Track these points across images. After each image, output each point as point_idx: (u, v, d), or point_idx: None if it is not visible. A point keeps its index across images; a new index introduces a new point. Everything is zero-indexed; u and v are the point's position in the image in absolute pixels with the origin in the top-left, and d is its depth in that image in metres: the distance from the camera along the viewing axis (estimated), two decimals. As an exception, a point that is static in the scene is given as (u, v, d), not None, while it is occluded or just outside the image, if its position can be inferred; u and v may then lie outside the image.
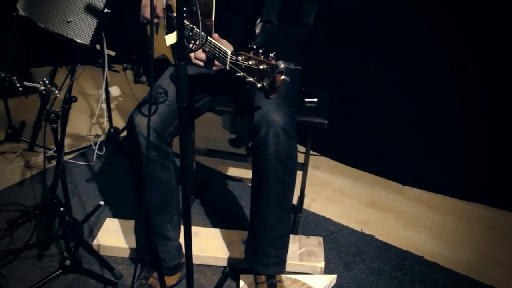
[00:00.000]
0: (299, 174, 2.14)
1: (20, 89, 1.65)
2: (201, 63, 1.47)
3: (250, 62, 1.23)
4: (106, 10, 1.61)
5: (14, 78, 1.65)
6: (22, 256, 1.95)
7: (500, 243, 2.20)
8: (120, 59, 3.65)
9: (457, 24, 2.19)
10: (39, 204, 2.21)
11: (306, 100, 1.98)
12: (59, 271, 1.82)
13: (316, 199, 2.43)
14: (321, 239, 2.06)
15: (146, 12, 1.60)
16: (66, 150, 2.65)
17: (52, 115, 1.67)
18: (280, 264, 1.72)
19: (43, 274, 1.83)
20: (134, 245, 1.92)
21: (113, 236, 2.02)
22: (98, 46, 2.45)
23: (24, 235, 2.04)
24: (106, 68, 2.45)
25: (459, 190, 2.46)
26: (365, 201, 2.45)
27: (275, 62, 1.20)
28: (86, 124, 2.96)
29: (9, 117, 2.62)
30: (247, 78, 1.25)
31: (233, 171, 2.62)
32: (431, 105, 2.42)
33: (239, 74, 1.27)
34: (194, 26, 1.33)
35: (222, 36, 1.44)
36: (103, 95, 2.57)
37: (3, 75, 1.64)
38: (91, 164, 2.58)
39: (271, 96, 1.25)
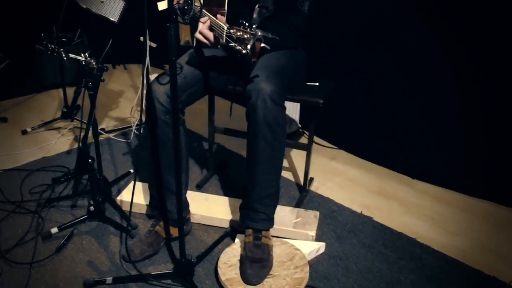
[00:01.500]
0: (304, 155, 2.36)
1: (65, 59, 2.01)
2: (206, 41, 1.74)
3: (239, 33, 1.51)
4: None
5: (61, 49, 2.01)
6: (59, 204, 2.31)
7: (500, 236, 2.24)
8: (162, 62, 4.04)
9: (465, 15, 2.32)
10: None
11: (308, 83, 2.20)
12: (85, 216, 2.15)
13: (326, 184, 2.60)
14: (317, 213, 2.24)
15: None
16: (110, 128, 3.04)
17: (90, 83, 2.02)
18: (267, 220, 1.93)
19: (73, 219, 2.16)
20: (148, 203, 2.21)
21: (135, 195, 2.31)
22: (141, 38, 2.81)
23: (64, 190, 2.40)
24: (148, 58, 2.80)
25: (468, 186, 2.53)
26: (373, 189, 2.58)
27: (254, 31, 1.47)
28: (129, 110, 3.35)
29: (66, 98, 3.05)
30: (237, 46, 1.52)
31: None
32: (441, 102, 2.53)
33: (231, 44, 1.54)
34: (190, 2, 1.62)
35: (231, 20, 1.72)
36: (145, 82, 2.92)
37: (52, 46, 2.01)
38: (129, 141, 2.93)
39: (252, 60, 1.52)
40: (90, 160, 2.06)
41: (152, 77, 3.23)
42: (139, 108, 3.31)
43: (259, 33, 1.47)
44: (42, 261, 1.95)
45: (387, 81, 2.71)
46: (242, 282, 1.81)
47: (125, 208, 2.27)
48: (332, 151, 2.96)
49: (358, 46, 2.77)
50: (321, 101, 2.08)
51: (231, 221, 2.17)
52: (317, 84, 2.20)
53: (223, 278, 1.82)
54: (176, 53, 1.48)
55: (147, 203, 2.25)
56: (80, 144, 2.00)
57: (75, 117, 3.08)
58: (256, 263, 1.82)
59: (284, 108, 1.83)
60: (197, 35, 1.75)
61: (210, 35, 1.74)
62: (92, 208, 2.12)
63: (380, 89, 2.76)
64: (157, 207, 2.10)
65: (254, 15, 1.73)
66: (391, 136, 2.78)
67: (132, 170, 2.59)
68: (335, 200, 2.45)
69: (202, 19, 1.72)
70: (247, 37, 1.46)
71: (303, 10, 1.93)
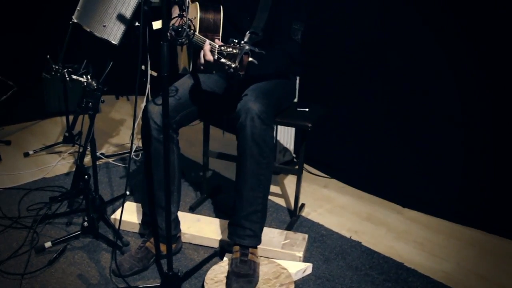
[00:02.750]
0: (294, 180, 2.43)
1: (68, 79, 2.12)
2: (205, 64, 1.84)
3: (229, 49, 1.63)
4: (136, 23, 2.07)
5: (65, 70, 2.13)
6: (54, 221, 2.37)
7: (487, 261, 2.26)
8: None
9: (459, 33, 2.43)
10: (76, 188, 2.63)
11: (298, 109, 2.30)
12: (78, 232, 2.21)
13: (316, 210, 2.66)
14: (306, 235, 2.28)
15: None
16: (109, 153, 3.14)
17: (90, 103, 2.14)
18: (253, 237, 1.98)
19: (67, 235, 2.22)
20: (140, 221, 2.27)
21: (128, 214, 2.38)
22: (143, 67, 2.95)
23: (60, 209, 2.47)
24: (148, 85, 2.93)
25: (457, 215, 2.57)
26: (362, 216, 2.63)
27: (242, 46, 1.59)
28: (128, 137, 3.46)
29: (68, 124, 3.16)
30: (227, 61, 1.63)
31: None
32: (430, 133, 2.61)
33: (222, 60, 1.65)
34: (185, 27, 1.74)
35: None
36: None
37: (57, 67, 2.13)
38: (126, 166, 3.02)
39: (240, 73, 1.62)
40: (86, 177, 2.14)
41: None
42: (138, 136, 3.42)
43: (246, 47, 1.59)
44: (33, 272, 2.00)
45: (376, 111, 2.81)
46: (227, 297, 1.84)
47: (120, 227, 2.32)
48: (324, 180, 3.03)
49: (349, 74, 2.88)
50: (310, 125, 2.16)
51: (221, 241, 2.22)
52: (307, 109, 2.30)
53: (209, 292, 1.86)
54: (168, 69, 1.57)
55: (140, 222, 2.30)
56: (78, 161, 2.08)
57: (76, 142, 3.18)
58: (242, 278, 1.86)
59: (272, 128, 1.92)
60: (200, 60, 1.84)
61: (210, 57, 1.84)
62: (86, 224, 2.18)
63: (370, 120, 2.86)
64: (149, 224, 2.16)
65: (245, 39, 1.85)
66: (381, 166, 2.85)
67: (128, 192, 2.65)
68: (325, 225, 2.49)
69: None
70: (236, 52, 1.57)
71: (297, 39, 2.05)
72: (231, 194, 2.74)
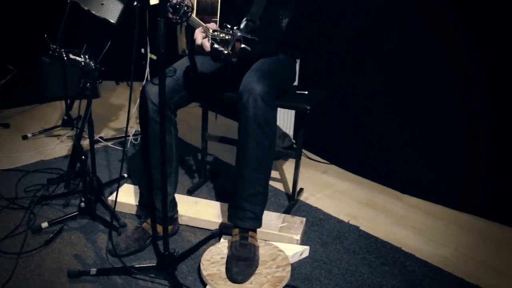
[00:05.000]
0: (293, 165, 2.42)
1: (65, 59, 2.10)
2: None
3: (222, 35, 1.61)
4: (135, 3, 2.04)
5: (63, 50, 2.11)
6: (52, 202, 2.37)
7: (485, 247, 2.25)
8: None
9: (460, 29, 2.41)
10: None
11: (297, 91, 2.28)
12: (75, 212, 2.20)
13: (315, 195, 2.64)
14: (304, 219, 2.27)
15: None
16: (108, 137, 3.12)
17: (87, 84, 2.12)
18: (254, 219, 1.96)
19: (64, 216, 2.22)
20: (137, 202, 2.26)
21: (126, 196, 2.37)
22: (143, 50, 2.94)
23: (57, 190, 2.46)
24: (148, 69, 2.92)
25: (457, 201, 2.56)
26: (361, 201, 2.62)
27: (234, 32, 1.57)
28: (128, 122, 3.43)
29: (67, 108, 3.15)
30: (219, 48, 1.61)
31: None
32: (431, 119, 2.60)
33: (216, 46, 1.63)
34: (182, 4, 1.71)
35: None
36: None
37: (54, 47, 2.11)
38: (125, 149, 3.01)
39: (232, 59, 1.60)
40: (83, 157, 2.12)
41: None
42: (137, 121, 3.41)
43: (239, 34, 1.56)
44: (29, 252, 1.99)
45: (377, 97, 2.79)
46: (223, 277, 1.83)
47: (117, 209, 2.32)
48: (324, 165, 3.01)
49: (349, 60, 2.86)
50: (309, 107, 2.15)
51: (220, 224, 2.21)
52: (306, 92, 2.28)
53: (204, 273, 1.85)
54: (165, 46, 1.55)
55: (136, 204, 2.30)
56: (75, 141, 2.07)
57: (75, 126, 3.17)
58: (242, 261, 1.85)
59: (275, 110, 1.90)
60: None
61: (204, 41, 1.81)
62: (83, 204, 2.17)
63: (370, 105, 2.84)
64: (146, 206, 2.15)
65: (241, 26, 1.83)
66: (381, 152, 2.84)
67: (125, 175, 2.65)
68: (323, 209, 2.48)
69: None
70: (229, 38, 1.55)
71: (282, 26, 2.02)
72: (229, 178, 2.75)
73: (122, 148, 2.99)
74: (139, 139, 3.10)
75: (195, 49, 1.86)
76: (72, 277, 1.86)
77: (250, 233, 1.97)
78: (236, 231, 1.97)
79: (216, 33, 1.60)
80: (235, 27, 1.57)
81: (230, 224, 2.02)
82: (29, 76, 3.71)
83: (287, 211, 2.40)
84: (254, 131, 1.86)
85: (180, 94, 2.06)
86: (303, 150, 3.03)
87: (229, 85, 2.20)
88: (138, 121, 3.39)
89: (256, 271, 1.87)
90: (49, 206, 2.34)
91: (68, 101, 3.05)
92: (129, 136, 3.08)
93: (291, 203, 2.48)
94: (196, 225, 2.25)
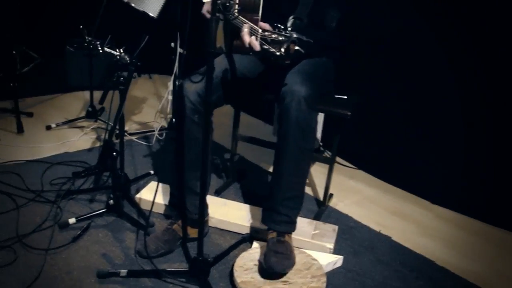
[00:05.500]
0: (325, 169, 2.36)
1: (101, 52, 2.05)
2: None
3: (274, 36, 1.54)
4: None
5: (98, 42, 2.05)
6: (78, 197, 2.32)
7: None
8: (188, 72, 4.10)
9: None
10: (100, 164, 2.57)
11: (336, 96, 2.22)
12: (103, 210, 2.15)
13: (344, 201, 2.58)
14: (336, 227, 2.21)
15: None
16: (132, 131, 3.07)
17: (121, 78, 2.07)
18: (290, 223, 1.91)
19: (91, 212, 2.17)
20: (167, 202, 2.20)
21: (153, 194, 2.30)
22: (172, 44, 2.87)
23: (83, 184, 2.41)
24: (177, 63, 2.85)
25: (489, 215, 2.49)
26: (390, 210, 2.56)
27: (290, 33, 1.49)
28: (152, 116, 3.38)
29: (92, 99, 3.11)
30: (270, 48, 1.54)
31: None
32: (467, 128, 2.52)
33: (266, 47, 1.56)
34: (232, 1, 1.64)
35: None
36: (170, 87, 2.97)
37: (90, 39, 2.06)
38: (150, 144, 2.95)
39: (286, 62, 1.54)
40: (114, 154, 2.07)
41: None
42: (162, 115, 3.36)
43: (294, 35, 1.50)
44: (57, 248, 1.95)
45: (409, 104, 2.71)
46: (257, 285, 1.78)
47: (143, 206, 2.27)
48: (351, 170, 2.95)
49: (380, 63, 2.78)
50: (349, 113, 2.08)
51: (251, 228, 2.15)
52: (345, 97, 2.21)
53: (238, 280, 1.80)
54: (215, 46, 1.49)
55: (166, 203, 2.24)
56: (107, 137, 2.02)
57: (99, 118, 3.12)
58: (280, 254, 1.81)
59: (317, 113, 1.84)
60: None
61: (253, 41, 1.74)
62: (112, 201, 2.12)
63: (401, 111, 2.76)
64: (176, 206, 2.10)
65: (288, 25, 1.76)
66: (410, 159, 2.76)
67: (152, 172, 2.59)
68: (353, 217, 2.43)
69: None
70: (282, 39, 1.49)
71: (331, 26, 1.95)
72: (256, 180, 2.70)
73: (146, 143, 2.95)
74: (164, 134, 3.05)
75: (239, 48, 1.80)
76: (101, 277, 1.81)
77: (286, 234, 1.92)
78: (273, 234, 1.91)
79: (267, 33, 1.53)
80: (288, 28, 1.50)
81: (262, 228, 1.97)
82: (52, 65, 3.64)
83: (318, 217, 2.35)
84: (295, 134, 1.80)
85: (218, 93, 2.00)
86: (328, 153, 2.97)
87: (265, 85, 2.14)
88: (162, 115, 3.35)
89: (291, 280, 1.81)
90: (75, 201, 2.29)
91: (94, 94, 2.99)
92: (154, 131, 3.02)
93: (321, 209, 2.42)
94: (225, 228, 2.19)
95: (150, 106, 3.63)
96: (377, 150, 2.91)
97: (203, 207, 1.70)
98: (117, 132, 2.10)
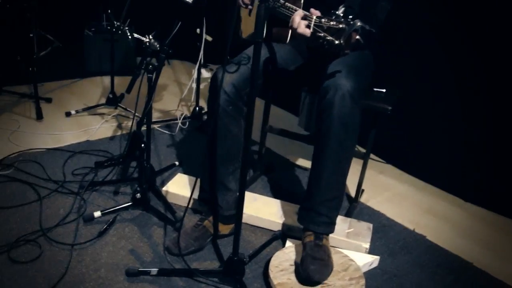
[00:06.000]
0: (359, 164, 2.26)
1: (130, 37, 1.95)
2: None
3: (332, 23, 1.43)
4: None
5: (126, 28, 1.95)
6: (102, 189, 2.24)
7: None
8: (216, 60, 3.99)
9: None
10: (123, 154, 2.49)
11: (375, 89, 2.11)
12: (130, 203, 2.07)
13: (375, 197, 2.49)
14: (371, 225, 2.12)
15: None
16: (154, 120, 2.98)
17: (150, 66, 1.97)
18: (329, 224, 1.82)
19: (116, 205, 2.09)
20: (197, 196, 2.11)
21: (181, 187, 2.23)
22: (198, 30, 2.77)
23: (107, 176, 2.33)
24: (202, 50, 2.75)
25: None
26: (423, 207, 2.46)
27: (353, 21, 1.38)
28: (175, 105, 3.29)
29: (113, 85, 3.01)
30: (327, 36, 1.43)
31: (301, 162, 2.76)
32: (505, 123, 2.42)
33: (320, 34, 1.45)
34: None
35: None
36: (195, 75, 2.87)
37: (118, 23, 1.96)
38: (173, 134, 2.86)
39: (346, 51, 1.43)
40: (142, 145, 1.98)
41: (204, 72, 3.20)
42: (188, 103, 3.26)
43: (358, 23, 1.38)
44: (83, 243, 1.87)
45: (443, 98, 2.60)
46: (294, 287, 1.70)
47: (170, 200, 2.18)
48: (381, 165, 2.85)
49: (415, 56, 2.66)
50: (390, 108, 1.98)
51: (283, 225, 2.06)
52: (384, 90, 2.11)
53: (274, 281, 1.71)
54: (263, 34, 1.39)
55: (193, 196, 2.16)
56: (136, 128, 1.93)
57: (119, 105, 3.03)
58: (319, 260, 1.72)
59: (360, 108, 1.73)
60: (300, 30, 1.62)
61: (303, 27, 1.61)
62: (138, 195, 2.04)
63: (433, 105, 2.65)
64: (206, 202, 2.01)
65: (338, 12, 1.64)
66: (441, 154, 2.65)
67: (177, 163, 2.51)
68: (386, 214, 2.33)
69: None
70: (342, 27, 1.37)
71: (381, 18, 1.84)
72: (284, 174, 2.61)
73: (169, 133, 2.86)
74: (187, 123, 2.96)
75: (280, 36, 1.70)
76: (131, 276, 1.74)
77: (324, 236, 1.83)
78: (310, 233, 1.82)
79: (324, 20, 1.42)
80: (350, 16, 1.39)
81: (294, 225, 1.88)
82: (70, 49, 3.55)
83: (349, 214, 2.26)
84: (338, 131, 1.70)
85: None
86: (357, 146, 2.86)
87: (303, 78, 2.04)
88: (183, 103, 3.25)
89: (329, 282, 1.73)
90: (98, 193, 2.21)
91: (114, 80, 2.90)
92: (177, 120, 2.93)
93: (353, 206, 2.33)
94: (256, 224, 2.11)
95: (171, 93, 3.53)
96: (407, 145, 2.80)
97: (242, 204, 1.61)
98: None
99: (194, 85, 2.95)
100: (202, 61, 2.83)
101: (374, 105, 2.00)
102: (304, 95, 3.01)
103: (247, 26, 2.16)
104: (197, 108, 3.02)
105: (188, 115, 3.05)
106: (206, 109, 3.13)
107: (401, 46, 2.72)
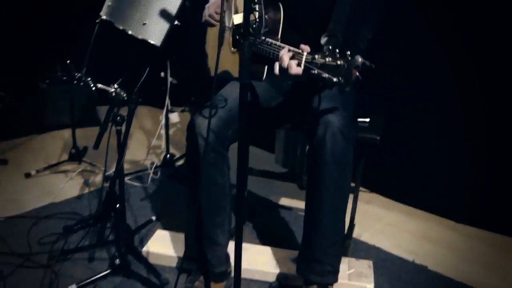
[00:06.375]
0: (350, 198, 2.14)
1: (94, 89, 1.78)
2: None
3: (328, 59, 1.31)
4: (176, 22, 1.73)
5: (89, 79, 1.78)
6: (74, 257, 2.01)
7: None
8: (179, 102, 3.85)
9: None
10: (94, 214, 2.28)
11: (359, 120, 2.01)
12: (108, 271, 1.86)
13: (368, 230, 2.38)
14: (371, 262, 2.00)
15: (211, 9, 1.75)
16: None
17: (118, 117, 1.81)
18: (333, 273, 1.69)
19: (92, 274, 1.87)
20: (182, 255, 1.94)
21: (163, 245, 2.04)
22: (162, 74, 2.63)
23: (78, 240, 2.10)
24: (168, 95, 2.60)
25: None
26: (417, 234, 2.37)
27: (354, 57, 1.28)
28: (143, 153, 3.10)
29: (75, 139, 2.81)
30: (323, 74, 1.31)
31: (284, 201, 2.62)
32: (483, 145, 2.37)
33: (313, 72, 1.34)
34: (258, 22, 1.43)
35: None
36: (163, 120, 2.71)
37: (79, 75, 1.79)
38: (145, 185, 2.67)
39: (346, 89, 1.32)
40: (118, 205, 1.80)
41: (173, 117, 3.04)
42: (157, 150, 3.09)
43: (360, 60, 1.26)
44: (61, 326, 1.65)
45: (423, 120, 2.54)
46: None
47: (152, 260, 1.99)
48: (366, 194, 2.75)
49: (397, 81, 2.60)
50: (378, 138, 1.89)
51: (278, 275, 1.90)
52: (368, 120, 2.02)
53: None
54: (249, 75, 1.26)
55: (178, 254, 1.98)
56: (108, 188, 1.75)
57: (83, 159, 2.82)
58: None
59: (354, 144, 1.62)
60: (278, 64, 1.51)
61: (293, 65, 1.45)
62: (118, 261, 1.84)
63: (413, 126, 2.58)
64: (195, 259, 1.83)
65: (322, 42, 1.54)
66: (427, 178, 2.58)
67: (154, 218, 2.32)
68: (382, 247, 2.22)
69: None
70: (341, 63, 1.26)
71: (362, 48, 1.76)
72: (267, 216, 2.46)
73: (141, 185, 2.67)
74: (159, 172, 2.77)
75: (258, 74, 1.58)
76: None
77: (329, 286, 1.69)
78: (313, 286, 1.67)
79: (317, 56, 1.30)
80: (347, 52, 1.28)
81: (290, 274, 1.73)
82: (24, 104, 3.31)
83: (345, 252, 2.12)
84: (332, 172, 1.58)
85: (234, 127, 1.75)
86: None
87: (283, 116, 1.93)
88: (152, 151, 3.07)
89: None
90: (71, 262, 1.98)
91: (81, 130, 2.69)
92: (148, 170, 2.74)
93: (347, 243, 2.19)
94: (249, 277, 1.94)
95: (138, 141, 3.33)
96: (391, 172, 2.71)
97: (240, 260, 1.44)
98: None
99: (162, 131, 2.78)
100: (169, 105, 2.68)
101: (362, 137, 1.90)
102: (279, 132, 2.92)
103: (222, 61, 2.04)
104: (168, 156, 2.85)
105: (159, 163, 2.87)
106: (177, 156, 2.97)
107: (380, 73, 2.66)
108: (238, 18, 1.41)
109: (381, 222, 2.48)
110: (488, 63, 2.29)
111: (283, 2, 1.71)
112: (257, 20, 1.36)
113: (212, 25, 1.86)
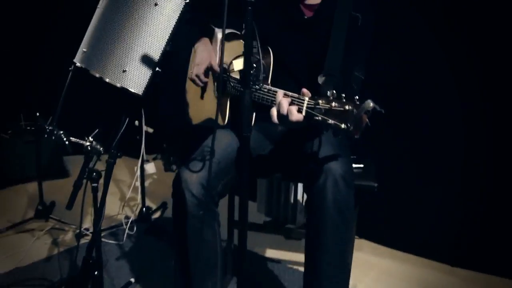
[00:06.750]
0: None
1: (67, 143, 1.62)
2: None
3: (333, 104, 1.21)
4: (157, 68, 1.61)
5: (61, 132, 1.63)
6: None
7: None
8: (151, 149, 3.68)
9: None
10: (66, 279, 2.07)
11: (354, 166, 1.91)
12: None
13: (363, 280, 2.25)
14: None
15: (200, 69, 1.66)
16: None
17: (94, 173, 1.65)
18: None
19: None
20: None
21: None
22: (137, 122, 2.48)
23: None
24: (143, 145, 2.46)
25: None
26: (413, 281, 2.26)
27: (365, 102, 1.18)
28: (117, 206, 2.90)
29: (41, 195, 2.59)
30: (328, 120, 1.21)
31: (271, 253, 2.47)
32: (474, 176, 2.32)
33: (317, 118, 1.23)
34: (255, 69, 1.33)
35: None
36: (138, 172, 2.55)
37: (51, 128, 1.63)
38: (121, 243, 2.46)
39: (356, 136, 1.22)
40: (96, 273, 1.61)
41: (148, 167, 2.87)
42: (131, 203, 2.90)
43: (371, 104, 1.16)
44: None
45: (410, 161, 2.48)
46: None
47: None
48: (355, 241, 2.62)
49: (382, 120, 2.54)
50: (376, 185, 1.79)
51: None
52: (362, 165, 1.92)
53: None
54: (251, 128, 1.14)
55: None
56: (86, 254, 1.56)
57: (51, 216, 2.60)
58: None
59: (354, 190, 1.52)
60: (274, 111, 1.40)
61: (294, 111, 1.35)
62: (97, 335, 1.63)
63: (397, 170, 2.51)
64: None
65: (320, 82, 1.45)
66: (418, 222, 2.49)
67: (133, 280, 2.11)
68: (381, 299, 2.09)
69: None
70: (349, 108, 1.16)
71: (356, 89, 1.68)
72: (256, 270, 2.29)
73: (116, 242, 2.47)
74: (134, 228, 2.57)
75: (255, 118, 1.48)
76: None
77: None
78: None
79: (321, 101, 1.20)
80: (355, 97, 1.19)
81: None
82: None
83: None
84: (335, 221, 1.47)
85: (224, 181, 1.63)
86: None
87: (274, 164, 1.82)
88: (125, 204, 2.88)
89: None
90: (42, 338, 1.76)
91: (47, 183, 2.49)
92: (123, 226, 2.55)
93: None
94: None
95: (111, 194, 3.11)
96: (380, 217, 2.61)
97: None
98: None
99: (137, 183, 2.61)
100: (144, 156, 2.53)
101: (359, 184, 1.79)
102: (260, 180, 2.80)
103: (197, 111, 1.93)
104: (144, 209, 2.66)
105: (134, 218, 2.67)
106: (154, 208, 2.79)
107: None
108: (238, 64, 1.30)
109: (374, 270, 2.36)
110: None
111: (273, 45, 1.63)
112: (255, 66, 1.25)
113: (197, 85, 1.77)
